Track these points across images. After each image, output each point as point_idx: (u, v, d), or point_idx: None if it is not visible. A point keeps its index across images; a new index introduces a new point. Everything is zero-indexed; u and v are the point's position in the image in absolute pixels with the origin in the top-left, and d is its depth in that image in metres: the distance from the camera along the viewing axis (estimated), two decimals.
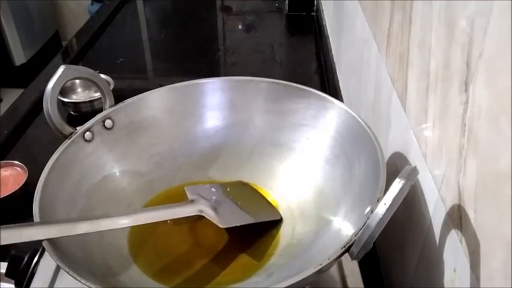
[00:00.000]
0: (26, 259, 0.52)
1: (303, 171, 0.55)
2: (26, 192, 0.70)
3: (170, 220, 0.52)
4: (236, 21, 1.44)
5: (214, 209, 0.50)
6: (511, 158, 0.27)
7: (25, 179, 0.71)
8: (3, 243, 0.38)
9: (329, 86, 1.02)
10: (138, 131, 0.57)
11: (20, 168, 0.74)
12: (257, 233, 0.52)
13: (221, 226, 0.49)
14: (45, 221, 0.42)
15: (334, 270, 0.51)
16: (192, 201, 0.50)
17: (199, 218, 0.53)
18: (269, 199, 0.55)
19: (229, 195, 0.54)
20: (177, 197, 0.56)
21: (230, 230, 0.52)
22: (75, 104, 0.90)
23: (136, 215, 0.48)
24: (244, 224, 0.50)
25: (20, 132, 0.90)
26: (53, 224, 0.41)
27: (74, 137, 0.51)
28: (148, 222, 0.47)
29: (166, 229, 0.53)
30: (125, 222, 0.46)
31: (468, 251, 0.33)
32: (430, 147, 0.41)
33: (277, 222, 0.53)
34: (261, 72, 0.76)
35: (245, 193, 0.56)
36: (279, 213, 0.53)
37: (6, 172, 0.74)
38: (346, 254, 0.37)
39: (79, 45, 1.23)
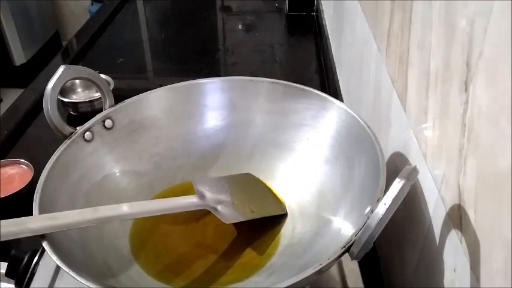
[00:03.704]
0: (26, 259, 0.52)
1: (303, 171, 0.55)
2: (32, 190, 0.69)
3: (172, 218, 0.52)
4: (236, 21, 1.44)
5: (220, 204, 0.50)
6: (511, 158, 0.27)
7: (31, 177, 0.71)
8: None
9: (329, 86, 1.02)
10: (138, 131, 0.57)
11: (25, 166, 0.74)
12: (258, 233, 0.52)
13: (225, 222, 0.49)
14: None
15: (334, 270, 0.51)
16: (198, 195, 0.50)
17: (200, 217, 0.54)
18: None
19: (236, 190, 0.53)
20: (177, 196, 0.56)
21: (230, 230, 0.52)
22: (75, 104, 0.90)
23: (140, 205, 0.48)
24: (248, 219, 0.51)
25: (20, 132, 0.90)
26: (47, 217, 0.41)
27: (74, 137, 0.51)
28: (153, 214, 0.47)
29: (167, 229, 0.53)
30: (126, 211, 0.45)
31: (468, 251, 0.33)
32: (430, 147, 0.41)
33: (281, 217, 0.53)
34: (261, 72, 0.76)
35: (252, 187, 0.56)
36: (285, 208, 0.53)
37: (12, 170, 0.74)
38: (346, 254, 0.37)
39: (79, 45, 1.23)
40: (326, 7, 1.25)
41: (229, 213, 0.50)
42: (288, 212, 0.53)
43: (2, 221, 0.38)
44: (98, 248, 0.47)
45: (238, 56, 1.23)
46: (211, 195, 0.50)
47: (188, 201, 0.49)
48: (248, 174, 0.57)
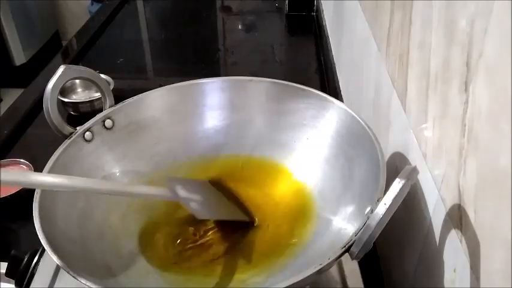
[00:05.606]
0: (26, 259, 0.52)
1: (303, 171, 0.55)
2: (32, 190, 0.69)
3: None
4: (236, 21, 1.44)
5: (191, 201, 0.50)
6: (511, 158, 0.27)
7: None
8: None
9: (329, 86, 1.02)
10: (138, 131, 0.57)
11: (25, 166, 0.74)
12: (258, 233, 0.52)
13: (198, 217, 0.50)
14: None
15: (334, 270, 0.51)
16: (169, 189, 0.49)
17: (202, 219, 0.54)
18: (269, 199, 0.55)
19: (207, 192, 0.54)
20: None
21: (230, 232, 0.52)
22: (75, 104, 0.90)
23: (110, 185, 0.49)
24: (218, 219, 0.53)
25: (20, 132, 0.90)
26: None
27: (74, 137, 0.51)
28: (124, 195, 0.49)
29: (167, 230, 0.53)
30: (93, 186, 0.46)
31: (468, 251, 0.33)
32: (430, 147, 0.41)
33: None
34: (261, 72, 0.76)
35: (221, 193, 0.56)
36: (253, 217, 0.54)
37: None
38: (346, 254, 0.37)
39: (79, 45, 1.23)
40: (326, 7, 1.25)
41: (201, 210, 0.50)
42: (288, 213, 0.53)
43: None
44: (98, 248, 0.47)
45: (238, 56, 1.23)
46: (184, 192, 0.50)
47: (161, 192, 0.49)
48: (219, 180, 0.57)
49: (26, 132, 0.90)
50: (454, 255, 0.36)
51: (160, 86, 0.59)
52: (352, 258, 0.38)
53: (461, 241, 0.34)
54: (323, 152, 0.54)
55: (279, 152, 0.57)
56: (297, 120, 0.57)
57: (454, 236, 0.36)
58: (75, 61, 1.16)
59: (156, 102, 0.58)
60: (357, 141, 0.49)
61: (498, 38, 0.28)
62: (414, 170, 0.36)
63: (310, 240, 0.48)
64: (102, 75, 0.79)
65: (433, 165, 0.40)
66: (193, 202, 0.50)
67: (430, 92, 0.40)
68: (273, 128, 0.58)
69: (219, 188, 0.57)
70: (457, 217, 0.35)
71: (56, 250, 0.39)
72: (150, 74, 1.20)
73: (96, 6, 2.21)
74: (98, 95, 0.89)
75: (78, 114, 0.90)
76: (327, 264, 0.36)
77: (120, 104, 0.56)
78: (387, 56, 0.55)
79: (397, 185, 0.35)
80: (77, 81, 0.95)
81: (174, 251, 0.51)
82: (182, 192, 0.50)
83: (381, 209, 0.35)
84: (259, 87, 0.59)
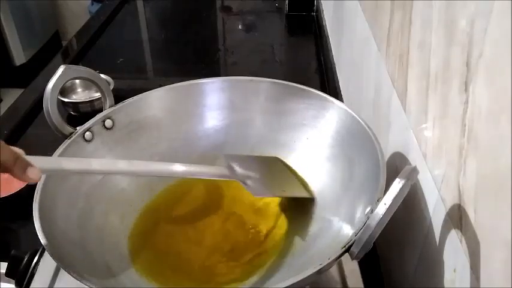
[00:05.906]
0: (26, 259, 0.52)
1: (303, 171, 0.55)
2: (32, 190, 0.69)
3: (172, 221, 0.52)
4: (236, 21, 1.44)
5: (249, 179, 0.50)
6: (510, 158, 0.27)
7: None
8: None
9: (329, 86, 1.02)
10: (138, 130, 0.57)
11: None
12: (258, 233, 0.52)
13: (255, 195, 0.49)
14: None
15: (334, 270, 0.51)
16: (227, 167, 0.50)
17: (202, 218, 0.54)
18: (269, 199, 0.55)
19: (265, 169, 0.54)
20: (177, 196, 0.56)
21: (231, 231, 0.52)
22: (75, 104, 0.90)
23: (171, 166, 0.47)
24: (277, 196, 0.52)
25: (20, 132, 0.90)
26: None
27: (74, 137, 0.51)
28: (182, 176, 0.50)
29: (166, 229, 0.53)
30: (161, 169, 0.47)
31: (468, 251, 0.33)
32: (430, 147, 0.41)
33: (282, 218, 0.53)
34: (261, 72, 0.76)
35: (280, 170, 0.56)
36: (312, 193, 0.53)
37: None
38: (346, 254, 0.37)
39: (79, 45, 1.23)
40: (326, 7, 1.25)
41: (258, 187, 0.50)
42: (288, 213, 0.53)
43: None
44: (98, 248, 0.47)
45: (238, 56, 1.23)
46: (240, 170, 0.50)
47: (218, 171, 0.49)
48: (276, 158, 0.57)
49: (26, 132, 0.90)
50: (454, 255, 0.36)
51: (160, 86, 0.59)
52: (352, 258, 0.38)
53: (461, 241, 0.34)
54: (323, 152, 0.54)
55: (279, 152, 0.57)
56: (297, 120, 0.57)
57: (454, 236, 0.36)
58: (75, 61, 1.16)
59: (156, 102, 0.58)
60: (357, 141, 0.49)
61: (498, 38, 0.28)
62: (414, 170, 0.36)
63: (310, 240, 0.48)
64: (102, 75, 0.79)
65: (433, 165, 0.40)
66: (250, 180, 0.50)
67: (430, 92, 0.40)
68: (273, 128, 0.58)
69: (277, 165, 0.56)
70: (457, 217, 0.35)
71: (56, 250, 0.39)
72: (150, 74, 1.20)
73: (96, 6, 2.21)
74: (98, 95, 0.88)
75: (78, 114, 0.90)
76: (327, 264, 0.36)
77: (120, 104, 0.56)
78: (387, 56, 0.55)
79: (397, 185, 0.35)
80: (77, 81, 0.95)
81: (169, 257, 0.50)
82: (239, 170, 0.50)
83: (381, 209, 0.35)
84: (259, 87, 0.59)
